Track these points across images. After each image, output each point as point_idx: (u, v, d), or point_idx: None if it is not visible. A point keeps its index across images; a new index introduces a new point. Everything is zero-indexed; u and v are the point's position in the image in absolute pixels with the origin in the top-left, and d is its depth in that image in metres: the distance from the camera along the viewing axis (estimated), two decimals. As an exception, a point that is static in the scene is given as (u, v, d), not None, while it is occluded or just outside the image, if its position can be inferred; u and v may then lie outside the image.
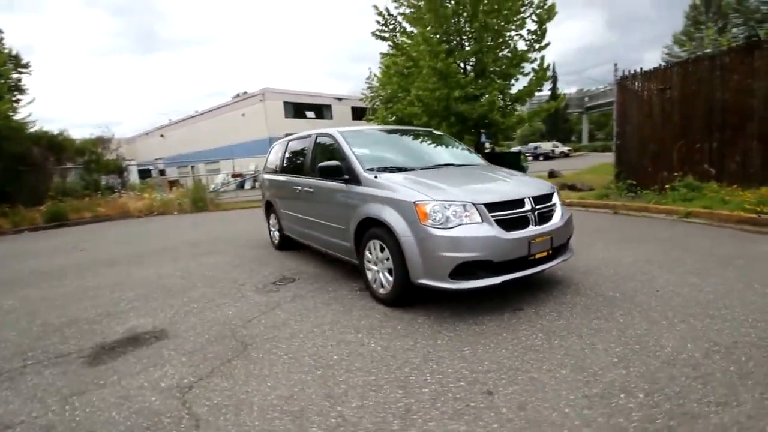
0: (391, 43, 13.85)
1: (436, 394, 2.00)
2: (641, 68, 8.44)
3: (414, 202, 2.86)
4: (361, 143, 3.87)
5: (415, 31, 12.57)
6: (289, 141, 5.29)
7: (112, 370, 2.54)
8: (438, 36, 11.99)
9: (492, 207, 2.84)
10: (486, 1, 11.98)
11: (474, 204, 2.81)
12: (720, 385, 1.92)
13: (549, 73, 13.27)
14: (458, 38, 12.83)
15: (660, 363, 2.15)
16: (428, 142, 4.46)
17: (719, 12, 36.34)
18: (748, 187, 6.32)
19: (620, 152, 9.10)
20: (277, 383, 2.21)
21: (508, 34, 12.72)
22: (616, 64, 8.92)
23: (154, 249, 6.54)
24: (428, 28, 11.85)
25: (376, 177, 3.34)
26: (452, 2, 12.21)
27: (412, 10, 13.16)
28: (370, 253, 3.35)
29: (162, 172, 29.13)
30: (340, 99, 29.92)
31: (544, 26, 12.50)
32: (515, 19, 12.51)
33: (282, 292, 3.83)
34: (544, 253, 3.01)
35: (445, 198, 2.84)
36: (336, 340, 2.70)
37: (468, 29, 12.65)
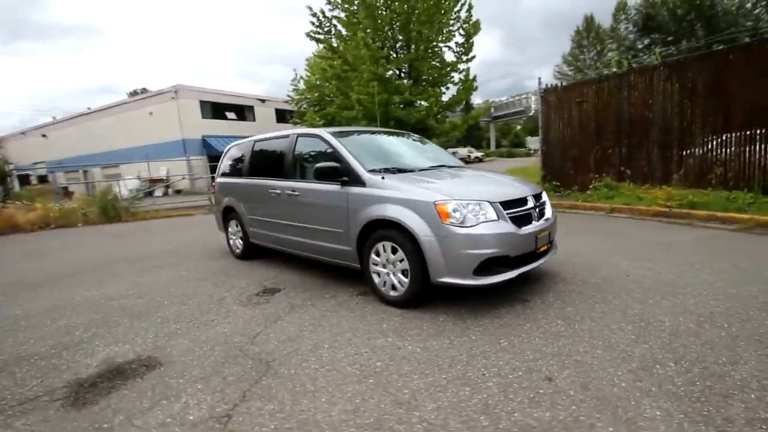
0: (326, 46, 13.70)
1: (502, 386, 2.05)
2: (562, 83, 9.58)
3: (434, 202, 2.89)
4: (352, 145, 3.78)
5: (354, 35, 12.62)
6: (255, 142, 4.94)
7: (111, 409, 2.12)
8: (377, 42, 12.20)
9: (505, 205, 3.00)
10: (419, 12, 12.53)
11: (490, 202, 2.93)
12: (723, 348, 2.28)
13: (476, 84, 14.31)
14: (393, 45, 13.21)
15: (668, 335, 2.48)
16: (411, 144, 4.52)
17: (597, 38, 42.76)
18: (652, 186, 7.56)
19: (545, 157, 10.19)
20: (332, 398, 2.06)
21: (439, 45, 13.45)
22: (563, 76, 10.00)
23: (80, 266, 5.57)
24: (367, 32, 12.00)
25: (383, 178, 3.30)
26: (387, 10, 12.54)
27: (346, 14, 13.21)
28: (378, 256, 3.28)
29: (43, 178, 24.85)
30: (263, 100, 28.57)
31: (471, 40, 13.47)
32: (445, 31, 13.28)
33: (274, 304, 3.55)
34: (545, 247, 3.26)
35: (463, 197, 2.93)
36: (368, 347, 2.60)
37: (401, 38, 13.09)
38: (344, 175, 3.48)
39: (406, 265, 3.07)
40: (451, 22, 13.35)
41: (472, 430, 1.74)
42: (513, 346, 2.46)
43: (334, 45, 13.33)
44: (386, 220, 3.16)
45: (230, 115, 26.82)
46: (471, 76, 14.11)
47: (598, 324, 2.70)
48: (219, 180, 5.65)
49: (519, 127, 73.26)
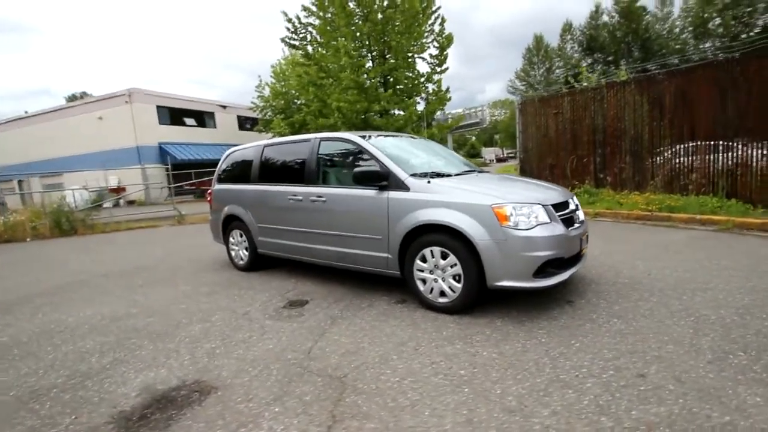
0: (302, 52, 13.47)
1: (602, 386, 2.05)
2: (540, 95, 10.07)
3: (491, 206, 2.88)
4: (386, 149, 3.69)
5: (333, 43, 12.51)
6: (265, 147, 4.69)
7: (182, 443, 1.87)
8: (356, 51, 12.19)
9: (554, 208, 3.05)
10: (397, 23, 12.71)
11: (543, 205, 2.97)
12: (778, 337, 2.44)
13: (449, 95, 14.69)
14: (370, 54, 13.27)
15: (721, 327, 2.62)
16: (430, 147, 4.50)
17: (546, 56, 45.71)
18: (629, 191, 8.11)
19: (523, 164, 10.62)
20: (435, 410, 1.95)
21: (414, 56, 13.69)
22: (515, 90, 10.48)
23: (54, 285, 4.96)
24: (344, 41, 11.95)
25: (429, 182, 3.24)
26: (366, 21, 12.59)
27: (320, 21, 13.11)
28: (424, 262, 3.21)
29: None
30: (224, 107, 27.43)
31: (445, 52, 13.86)
32: (420, 42, 13.56)
33: (309, 317, 3.35)
34: (585, 248, 3.35)
35: (518, 200, 2.94)
36: (440, 355, 2.50)
37: (377, 48, 13.19)
38: (383, 179, 3.38)
39: (458, 270, 3.02)
40: (426, 34, 13.68)
41: (602, 433, 1.71)
42: (587, 347, 2.48)
43: (310, 52, 13.13)
44: (434, 225, 3.10)
45: (189, 121, 25.47)
46: (444, 88, 14.51)
47: (652, 321, 2.80)
48: (218, 187, 5.29)
49: (474, 138, 76.47)
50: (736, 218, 5.69)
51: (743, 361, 2.20)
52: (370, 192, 3.49)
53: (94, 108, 23.26)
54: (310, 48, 13.23)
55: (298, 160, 4.21)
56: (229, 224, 5.09)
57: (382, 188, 3.41)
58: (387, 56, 13.38)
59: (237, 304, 3.79)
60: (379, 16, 12.91)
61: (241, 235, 4.94)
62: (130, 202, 20.50)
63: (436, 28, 13.85)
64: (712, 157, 7.25)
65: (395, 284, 3.89)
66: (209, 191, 5.56)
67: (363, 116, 12.36)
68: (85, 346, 3.03)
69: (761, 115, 6.54)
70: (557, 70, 44.41)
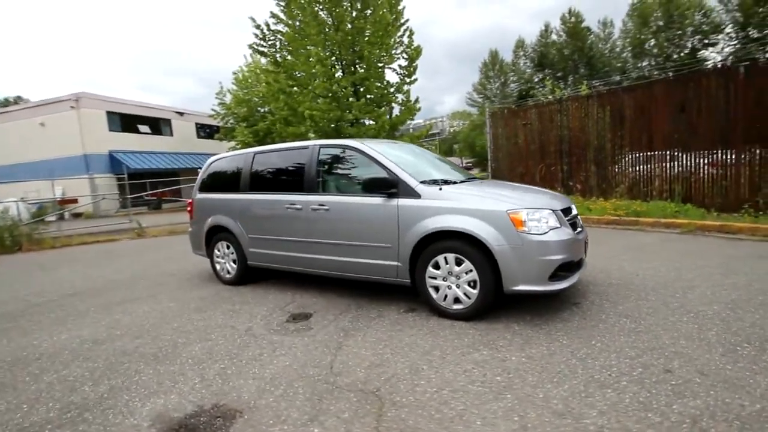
0: (270, 59, 13.19)
1: (637, 383, 2.11)
2: (510, 106, 10.51)
3: (506, 211, 2.93)
4: (389, 156, 3.66)
5: (302, 51, 12.34)
6: (255, 154, 4.50)
7: (220, 475, 1.71)
8: (328, 60, 12.11)
9: (562, 213, 3.16)
10: (368, 34, 12.82)
11: (553, 210, 3.06)
12: (772, 328, 2.65)
13: (418, 105, 14.94)
14: (341, 63, 13.25)
15: (720, 322, 2.80)
16: (427, 155, 4.52)
17: (501, 70, 47.93)
18: (596, 198, 8.61)
19: (494, 173, 10.99)
20: (485, 419, 1.92)
21: (385, 66, 13.84)
22: (474, 102, 10.88)
23: (14, 307, 4.43)
24: (317, 49, 11.84)
25: (440, 189, 3.25)
26: (338, 30, 12.58)
27: (289, 29, 12.94)
28: (437, 269, 3.19)
29: None
30: (181, 113, 26.15)
31: (414, 63, 14.12)
32: (390, 53, 13.74)
33: (319, 330, 3.21)
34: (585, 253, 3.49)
35: (532, 206, 3.01)
36: (470, 363, 2.48)
37: (347, 58, 13.19)
38: (393, 186, 3.35)
39: (473, 276, 3.03)
40: (396, 46, 13.89)
41: (654, 428, 1.76)
42: (608, 346, 2.56)
43: (279, 59, 12.88)
44: (448, 232, 3.10)
45: (143, 128, 24.03)
46: (411, 99, 14.76)
47: (658, 318, 2.95)
48: (200, 196, 5.01)
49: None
50: (696, 221, 6.20)
51: (751, 351, 2.37)
52: (377, 200, 3.44)
53: (35, 113, 21.35)
54: (278, 56, 12.98)
55: (296, 168, 4.07)
56: (214, 235, 4.82)
57: (391, 195, 3.38)
58: (357, 66, 13.44)
59: (235, 320, 3.57)
60: (349, 26, 12.97)
61: (228, 247, 4.68)
62: (77, 215, 18.89)
63: (405, 39, 14.12)
64: (668, 165, 7.88)
65: (398, 293, 3.84)
66: (189, 201, 5.24)
67: (335, 125, 12.27)
68: (72, 374, 2.71)
69: (709, 128, 7.21)
70: (512, 84, 46.71)
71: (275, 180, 4.28)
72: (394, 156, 3.71)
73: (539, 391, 2.11)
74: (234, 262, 4.66)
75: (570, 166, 9.41)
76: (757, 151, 6.72)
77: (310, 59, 11.50)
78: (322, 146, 3.96)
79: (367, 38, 12.75)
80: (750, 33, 32.54)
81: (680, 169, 7.69)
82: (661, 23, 37.06)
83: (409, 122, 15.73)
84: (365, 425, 1.95)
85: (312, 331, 3.20)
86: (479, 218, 2.99)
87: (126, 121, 23.06)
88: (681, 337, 2.62)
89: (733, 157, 7.02)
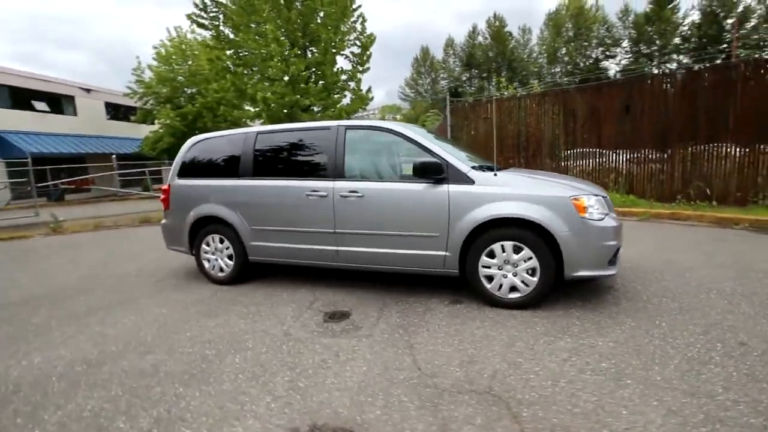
0: (213, 34, 11.86)
1: (728, 357, 2.23)
2: (469, 100, 10.78)
3: (570, 197, 2.92)
4: (427, 139, 3.44)
5: (252, 27, 11.28)
6: (258, 134, 3.95)
7: None
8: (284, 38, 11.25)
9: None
10: (324, 14, 12.20)
11: (603, 197, 3.14)
12: (787, 301, 3.02)
13: (371, 95, 14.71)
14: (295, 45, 12.44)
15: (741, 296, 3.12)
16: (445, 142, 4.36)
17: (432, 67, 49.47)
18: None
19: (453, 165, 11.23)
20: (629, 408, 1.86)
21: (339, 52, 13.33)
22: (448, 93, 11.03)
23: (-71, 327, 3.36)
24: (272, 27, 10.92)
25: (495, 175, 3.13)
26: (288, 8, 11.74)
27: (233, 1, 11.79)
28: (492, 258, 3.09)
29: None
30: (88, 90, 22.41)
31: (368, 51, 13.83)
32: (343, 39, 13.27)
33: (369, 328, 2.92)
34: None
35: (590, 192, 3.04)
36: (564, 351, 2.42)
37: (301, 39, 12.46)
38: (442, 172, 3.15)
39: (532, 263, 2.98)
40: (349, 32, 13.43)
41: (784, 401, 1.86)
42: (673, 325, 2.69)
43: (222, 34, 11.62)
44: (502, 219, 3.01)
45: (39, 105, 20.16)
46: (361, 89, 14.47)
47: (690, 297, 3.18)
48: (180, 183, 4.28)
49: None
50: (650, 210, 6.97)
51: (788, 323, 2.66)
52: (421, 186, 3.22)
53: None
54: (223, 30, 11.69)
55: (317, 151, 3.65)
56: (202, 228, 4.16)
57: (438, 181, 3.18)
58: (308, 49, 12.74)
59: (261, 323, 3.10)
60: (299, 5, 12.21)
61: (222, 241, 4.07)
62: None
63: (358, 26, 13.74)
64: (614, 160, 8.75)
65: (430, 284, 3.68)
66: (163, 188, 4.45)
67: (289, 110, 11.48)
68: (85, 407, 2.10)
69: (650, 128, 8.14)
70: (442, 81, 48.53)
71: (289, 164, 3.80)
72: (429, 139, 3.50)
73: (653, 374, 2.13)
74: (230, 258, 4.07)
75: (527, 160, 9.97)
76: (689, 149, 7.74)
77: (264, 37, 10.56)
78: (348, 127, 3.59)
79: (320, 20, 12.12)
80: (641, 48, 37.80)
81: (625, 164, 8.57)
82: (571, 34, 41.29)
83: (365, 111, 15.38)
84: (509, 429, 1.78)
85: (363, 330, 2.90)
86: (541, 204, 2.94)
87: (17, 97, 19.14)
88: (724, 312, 2.85)
89: (670, 154, 8.02)
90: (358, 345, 2.66)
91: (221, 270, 4.14)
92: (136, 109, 21.72)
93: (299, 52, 11.85)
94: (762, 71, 7.00)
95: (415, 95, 49.92)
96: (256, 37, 10.99)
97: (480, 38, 46.09)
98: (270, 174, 3.82)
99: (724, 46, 35.02)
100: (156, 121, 19.26)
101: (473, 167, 3.22)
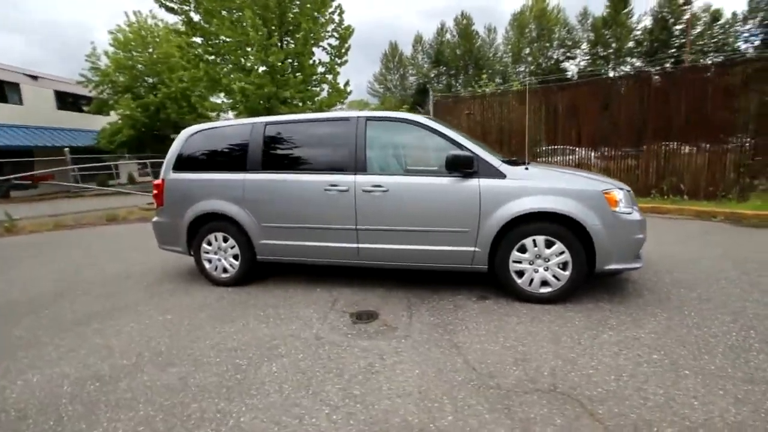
0: (183, 19, 11.11)
1: (762, 351, 2.31)
2: (455, 95, 10.81)
3: (602, 191, 2.93)
4: (453, 131, 3.36)
5: (224, 13, 10.66)
6: (267, 125, 3.69)
7: None
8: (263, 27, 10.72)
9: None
10: (298, 2, 11.79)
11: (628, 191, 3.18)
12: (791, 288, 3.21)
13: (349, 88, 14.44)
14: (272, 35, 11.93)
15: (750, 285, 3.29)
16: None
17: (401, 63, 49.48)
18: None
19: (436, 160, 11.27)
20: (701, 400, 1.87)
21: (316, 43, 12.95)
22: (375, 92, 11.00)
23: None
24: (250, 13, 10.35)
25: (527, 169, 3.09)
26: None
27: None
28: (522, 252, 3.05)
29: None
30: (35, 77, 20.40)
31: (346, 44, 13.54)
32: (321, 30, 12.90)
33: (404, 329, 2.80)
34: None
35: (619, 186, 3.08)
36: (612, 345, 2.42)
37: (278, 28, 11.98)
38: (472, 165, 3.07)
39: (564, 258, 2.98)
40: (327, 23, 13.06)
41: (837, 385, 1.94)
42: (702, 315, 2.76)
43: (193, 20, 10.89)
44: (534, 214, 2.98)
45: (-25, 92, 18.16)
46: (337, 83, 14.18)
47: (706, 287, 3.28)
48: (176, 177, 3.93)
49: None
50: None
51: (803, 308, 2.82)
52: (449, 180, 3.13)
53: None
54: (194, 15, 10.95)
55: (336, 143, 3.46)
56: (202, 226, 3.85)
57: (468, 175, 3.10)
58: (285, 40, 12.27)
59: (286, 327, 2.89)
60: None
61: (226, 239, 3.79)
62: None
63: (336, 17, 13.39)
64: (593, 154, 9.09)
65: (451, 281, 3.61)
66: (156, 182, 4.08)
67: (267, 102, 11.00)
68: (124, 427, 1.84)
69: (627, 126, 8.51)
70: (411, 78, 48.69)
71: (304, 157, 3.58)
72: (455, 132, 3.41)
73: (705, 363, 2.16)
74: (235, 257, 3.80)
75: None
76: (663, 146, 8.17)
77: (241, 24, 10.02)
78: (368, 118, 3.43)
79: (296, 9, 11.70)
80: (599, 51, 39.73)
81: (602, 159, 8.93)
82: (534, 34, 42.67)
83: (343, 105, 15.06)
84: (592, 428, 1.73)
85: (399, 331, 2.77)
86: (574, 198, 2.94)
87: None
88: (741, 300, 2.98)
89: (644, 150, 8.42)
90: (399, 347, 2.54)
91: (225, 271, 3.86)
92: (90, 99, 20.09)
93: (278, 41, 11.36)
94: (727, 75, 7.50)
95: (384, 91, 49.80)
96: (231, 24, 10.42)
97: (448, 36, 46.61)
98: (282, 167, 3.58)
99: (673, 50, 37.55)
100: (114, 112, 17.90)
101: (503, 161, 3.17)
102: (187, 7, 10.80)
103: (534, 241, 3.02)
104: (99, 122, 20.39)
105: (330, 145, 3.51)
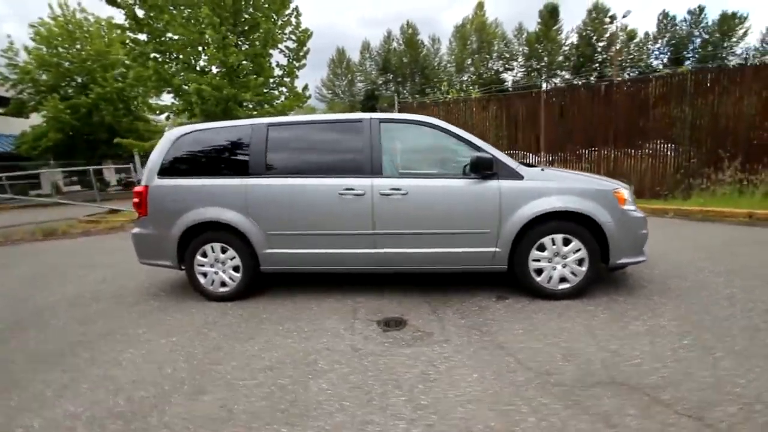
0: (127, 13, 10.15)
1: (772, 325, 2.59)
2: (417, 102, 11.00)
3: (613, 190, 3.11)
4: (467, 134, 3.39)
5: (171, 10, 9.90)
6: (270, 126, 3.46)
7: None
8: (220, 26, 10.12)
9: (626, 193, 3.54)
10: (254, 2, 11.37)
11: (629, 190, 3.41)
12: None
13: (308, 92, 14.15)
14: (229, 34, 11.33)
15: (753, 276, 3.67)
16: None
17: (348, 69, 49.56)
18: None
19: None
20: (752, 384, 2.02)
21: (273, 45, 12.54)
22: (323, 97, 11.09)
23: None
24: (208, 10, 9.71)
25: (543, 170, 3.19)
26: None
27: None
28: (541, 251, 3.15)
29: None
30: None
31: (305, 47, 13.27)
32: (277, 32, 12.53)
33: (440, 333, 2.75)
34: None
35: (624, 185, 3.28)
36: (646, 335, 2.54)
37: (233, 28, 11.43)
38: (492, 167, 3.12)
39: (581, 254, 3.12)
40: (284, 25, 12.70)
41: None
42: (707, 303, 2.98)
43: (140, 15, 9.99)
44: (552, 213, 3.09)
45: None
46: (302, 86, 13.87)
47: (698, 276, 3.59)
48: (162, 183, 3.55)
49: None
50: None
51: (779, 290, 3.19)
52: (468, 182, 3.16)
53: None
54: (138, 11, 10.03)
55: (348, 146, 3.33)
56: (195, 237, 3.51)
57: (487, 177, 3.14)
58: (241, 39, 11.73)
59: (315, 341, 2.71)
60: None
61: (224, 250, 3.49)
62: None
63: (293, 20, 13.08)
64: (550, 157, 9.71)
65: (460, 282, 3.63)
66: (137, 189, 3.66)
67: (224, 105, 10.37)
68: (170, 475, 1.58)
69: (580, 132, 9.21)
70: (359, 84, 48.94)
71: (313, 160, 3.40)
72: (469, 135, 3.45)
73: (731, 344, 2.35)
74: (235, 269, 3.51)
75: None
76: (612, 151, 8.95)
77: (195, 22, 9.39)
78: (381, 120, 3.35)
79: (252, 9, 11.27)
80: (533, 64, 42.82)
81: (558, 162, 9.57)
82: (475, 46, 44.98)
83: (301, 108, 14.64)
84: (665, 413, 1.80)
85: (435, 336, 2.72)
86: (589, 198, 3.09)
87: None
88: (729, 287, 3.29)
89: (595, 154, 9.16)
90: (444, 352, 2.48)
91: (223, 284, 3.54)
92: (7, 100, 17.67)
93: (236, 41, 10.80)
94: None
95: (332, 96, 49.53)
96: (183, 20, 9.73)
97: (395, 44, 47.59)
98: (290, 171, 3.38)
99: (596, 65, 41.49)
100: (37, 114, 15.89)
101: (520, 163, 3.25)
102: (132, 1, 9.91)
103: (552, 239, 3.13)
104: (18, 126, 17.98)
105: (341, 147, 3.38)
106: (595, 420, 1.79)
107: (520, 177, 3.15)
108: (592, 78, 39.01)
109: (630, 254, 3.16)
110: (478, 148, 3.20)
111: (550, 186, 3.13)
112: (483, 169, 3.07)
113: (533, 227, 3.13)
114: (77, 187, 22.04)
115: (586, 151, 9.24)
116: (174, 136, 3.66)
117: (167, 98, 12.20)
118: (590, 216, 3.05)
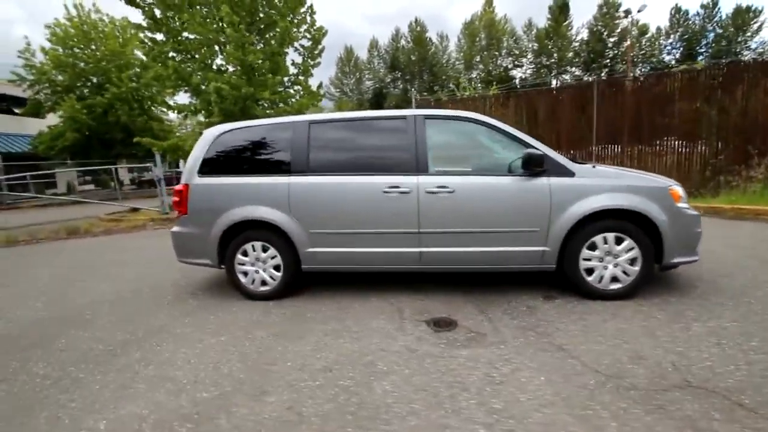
0: (147, 15, 10.17)
1: (843, 327, 2.50)
2: (435, 100, 10.92)
3: (668, 187, 3.03)
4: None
5: (191, 9, 9.89)
6: (312, 124, 3.42)
7: None
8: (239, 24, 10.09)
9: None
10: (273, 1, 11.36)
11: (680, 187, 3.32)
12: (813, 272, 3.52)
13: (323, 91, 14.12)
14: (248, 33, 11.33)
15: (778, 273, 3.57)
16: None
17: (356, 67, 49.48)
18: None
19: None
20: (829, 383, 1.95)
21: (290, 43, 12.52)
22: (331, 96, 10.98)
23: None
24: (227, 8, 9.68)
25: (594, 167, 3.12)
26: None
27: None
28: (593, 250, 3.08)
29: None
30: (-50, 74, 17.75)
31: (320, 45, 13.22)
32: (293, 31, 12.50)
33: (493, 334, 2.70)
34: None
35: (676, 183, 3.19)
36: (711, 336, 2.47)
37: (253, 26, 11.42)
38: (542, 164, 3.05)
39: (634, 253, 3.04)
40: (299, 23, 12.66)
41: None
42: (764, 303, 2.94)
43: (159, 17, 9.99)
44: (603, 211, 3.02)
45: None
46: (318, 84, 13.85)
47: (745, 275, 3.51)
48: (203, 182, 3.54)
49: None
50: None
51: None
52: (517, 179, 3.09)
53: None
54: (157, 11, 10.05)
55: (392, 143, 3.29)
56: (236, 235, 3.49)
57: (536, 174, 3.08)
58: (257, 38, 11.73)
59: (366, 341, 2.68)
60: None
61: (266, 249, 3.47)
62: None
63: (309, 18, 13.04)
64: (572, 154, 9.58)
65: (504, 282, 3.56)
66: (177, 188, 3.64)
67: (242, 105, 10.37)
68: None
69: (603, 128, 9.07)
70: (367, 82, 48.84)
71: (357, 158, 3.35)
72: (518, 131, 3.38)
73: (808, 348, 2.28)
74: (276, 269, 3.48)
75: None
76: (637, 148, 8.80)
77: (213, 20, 9.38)
78: (426, 117, 3.29)
79: (269, 7, 11.24)
80: (543, 60, 42.40)
81: (580, 159, 9.44)
82: (484, 43, 44.65)
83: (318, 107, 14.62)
84: (750, 417, 1.74)
85: (489, 337, 2.66)
86: (643, 195, 3.01)
87: None
88: (788, 286, 3.21)
89: (620, 150, 9.02)
90: (504, 354, 2.42)
91: (263, 283, 3.52)
92: (24, 100, 17.87)
93: (255, 40, 10.78)
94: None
95: (340, 94, 49.50)
96: (201, 19, 9.73)
97: (403, 42, 47.40)
98: (333, 169, 3.34)
99: (607, 61, 40.97)
100: (54, 114, 16.05)
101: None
102: (151, 0, 9.92)
103: (604, 238, 3.05)
104: (33, 126, 18.17)
105: (385, 144, 3.34)
106: (681, 426, 1.73)
107: (571, 174, 3.08)
108: (602, 74, 38.58)
109: (684, 253, 3.08)
110: (527, 145, 3.14)
111: (602, 183, 3.05)
112: (534, 165, 3.01)
113: (584, 225, 3.06)
114: (91, 186, 22.30)
115: (609, 147, 9.10)
116: (214, 135, 3.64)
117: (181, 98, 12.27)
118: (645, 214, 2.98)
